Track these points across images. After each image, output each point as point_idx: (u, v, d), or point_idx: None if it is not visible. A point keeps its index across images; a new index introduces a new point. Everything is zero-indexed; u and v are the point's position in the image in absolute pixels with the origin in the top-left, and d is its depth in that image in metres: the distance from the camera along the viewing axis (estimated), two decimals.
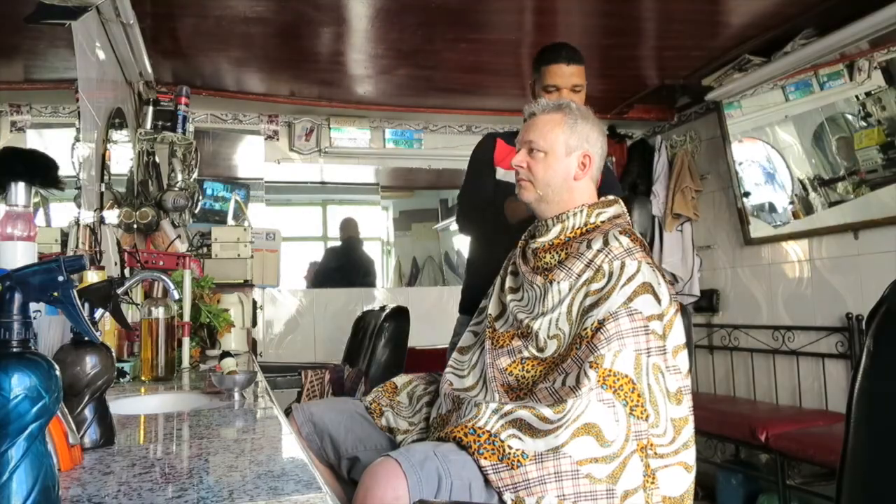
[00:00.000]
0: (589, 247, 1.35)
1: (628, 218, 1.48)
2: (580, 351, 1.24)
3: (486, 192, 1.99)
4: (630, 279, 1.28)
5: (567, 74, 1.93)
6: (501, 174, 2.03)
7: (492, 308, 1.51)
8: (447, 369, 1.49)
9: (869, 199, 2.88)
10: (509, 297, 1.47)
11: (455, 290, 2.17)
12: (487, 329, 1.45)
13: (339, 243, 4.36)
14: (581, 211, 1.42)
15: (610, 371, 1.19)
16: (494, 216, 1.87)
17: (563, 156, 1.43)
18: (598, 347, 1.21)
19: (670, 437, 1.22)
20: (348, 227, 4.39)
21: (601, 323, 1.24)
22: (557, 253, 1.41)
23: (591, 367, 1.20)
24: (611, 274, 1.29)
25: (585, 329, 1.26)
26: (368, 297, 4.08)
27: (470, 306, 1.92)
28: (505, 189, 1.94)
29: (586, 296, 1.30)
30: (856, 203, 2.95)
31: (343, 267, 4.28)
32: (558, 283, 1.34)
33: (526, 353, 1.34)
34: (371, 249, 4.47)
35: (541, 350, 1.33)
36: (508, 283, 1.51)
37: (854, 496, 0.76)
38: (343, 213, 4.44)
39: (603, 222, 1.42)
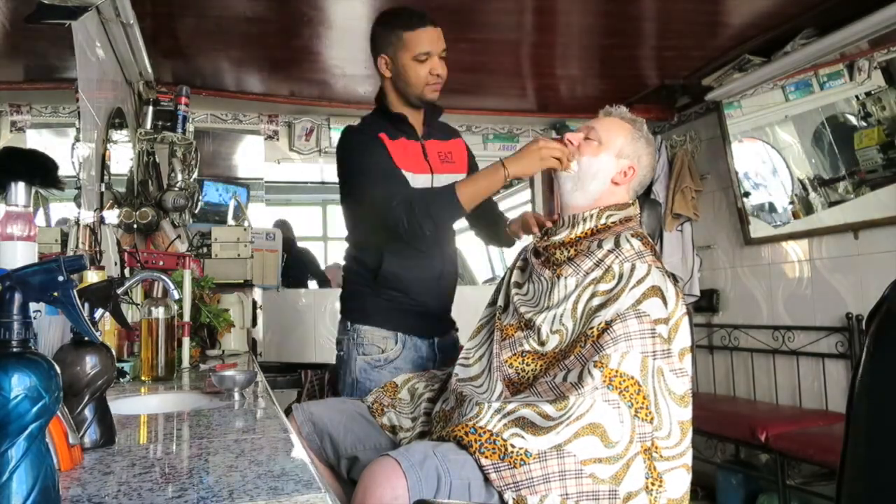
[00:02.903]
0: (600, 246, 1.37)
1: (639, 220, 1.51)
2: (584, 349, 1.24)
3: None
4: (640, 282, 1.28)
5: (437, 38, 1.72)
6: (417, 181, 1.74)
7: (501, 300, 1.53)
8: (458, 360, 1.50)
9: (869, 199, 2.88)
10: (513, 291, 1.49)
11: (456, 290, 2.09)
12: (497, 321, 1.46)
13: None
14: (592, 214, 1.46)
15: (616, 372, 1.19)
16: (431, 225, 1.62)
17: (614, 156, 1.48)
18: (605, 347, 1.22)
19: (676, 440, 1.22)
20: (287, 229, 4.45)
21: (609, 324, 1.24)
22: (568, 249, 1.43)
23: (595, 366, 1.20)
24: (621, 275, 1.30)
25: (592, 328, 1.26)
26: None
27: (414, 327, 1.79)
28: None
29: (593, 295, 1.31)
30: (856, 203, 2.95)
31: (290, 268, 4.33)
32: (565, 278, 1.36)
33: (526, 346, 1.35)
34: None
35: (542, 344, 1.33)
36: (515, 277, 1.53)
37: (854, 496, 0.76)
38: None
39: (614, 223, 1.45)
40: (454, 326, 1.97)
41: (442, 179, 1.79)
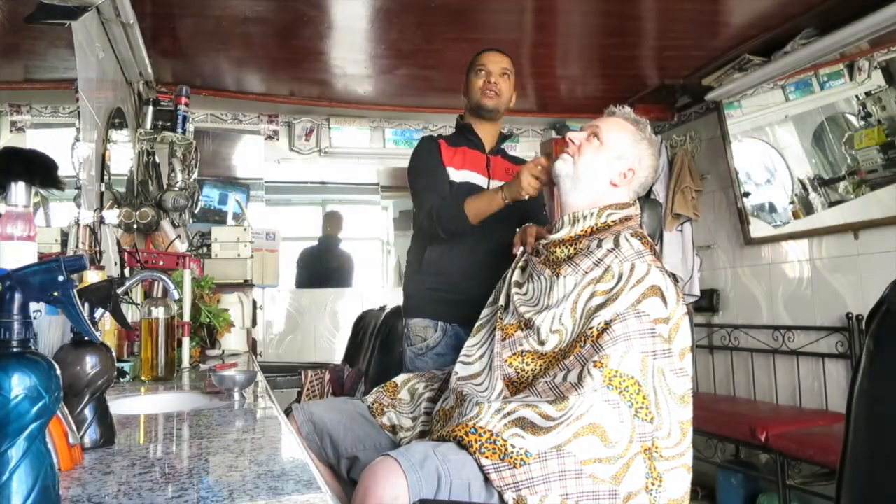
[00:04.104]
0: (599, 246, 1.36)
1: (640, 220, 1.51)
2: (584, 350, 1.24)
3: (446, 192, 1.98)
4: (639, 281, 1.28)
5: (495, 60, 2.06)
6: (456, 175, 2.00)
7: (502, 299, 1.52)
8: (459, 358, 1.50)
9: (869, 199, 2.88)
10: (514, 290, 1.49)
11: None
12: (497, 320, 1.46)
13: (316, 242, 4.32)
14: (592, 213, 1.46)
15: (616, 372, 1.19)
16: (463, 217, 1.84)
17: (614, 157, 1.48)
18: (604, 347, 1.22)
19: (676, 440, 1.22)
20: (332, 222, 4.36)
21: (608, 323, 1.25)
22: (567, 248, 1.43)
23: (594, 366, 1.20)
24: (620, 275, 1.30)
25: (591, 328, 1.26)
26: (369, 296, 4.09)
27: (441, 313, 1.93)
28: (458, 190, 1.96)
29: (593, 295, 1.31)
30: (856, 203, 2.95)
31: (319, 268, 4.26)
32: (564, 277, 1.36)
33: (526, 346, 1.35)
34: (371, 249, 4.48)
35: (541, 343, 1.33)
36: (516, 276, 1.53)
37: (854, 496, 0.76)
38: (343, 212, 4.44)
39: (614, 222, 1.45)
40: None
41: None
